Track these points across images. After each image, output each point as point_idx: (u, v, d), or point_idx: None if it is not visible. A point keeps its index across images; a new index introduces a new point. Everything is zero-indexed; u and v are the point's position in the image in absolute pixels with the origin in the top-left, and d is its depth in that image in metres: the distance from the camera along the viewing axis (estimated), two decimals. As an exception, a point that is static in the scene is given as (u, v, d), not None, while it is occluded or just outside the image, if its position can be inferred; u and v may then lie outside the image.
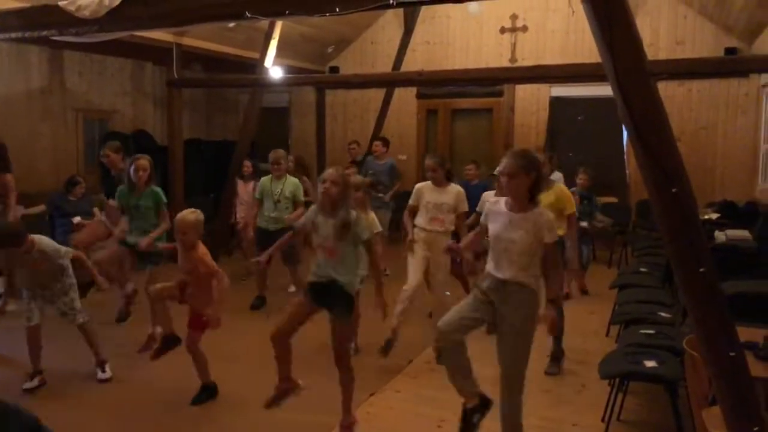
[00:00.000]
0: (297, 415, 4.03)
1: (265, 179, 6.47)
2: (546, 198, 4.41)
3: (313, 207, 3.85)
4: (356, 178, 5.40)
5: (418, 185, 5.34)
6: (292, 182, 6.37)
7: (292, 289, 7.02)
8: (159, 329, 4.81)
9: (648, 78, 2.52)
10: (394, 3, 3.09)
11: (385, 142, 8.39)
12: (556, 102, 10.10)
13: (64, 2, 3.64)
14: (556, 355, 4.90)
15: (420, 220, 5.22)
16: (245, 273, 7.54)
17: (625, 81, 2.54)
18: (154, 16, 3.45)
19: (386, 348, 4.98)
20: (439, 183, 5.20)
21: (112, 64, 9.65)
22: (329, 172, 3.74)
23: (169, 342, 4.39)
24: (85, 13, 3.55)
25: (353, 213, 3.69)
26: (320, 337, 5.57)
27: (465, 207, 5.21)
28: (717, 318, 2.59)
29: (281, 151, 6.46)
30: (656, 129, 2.53)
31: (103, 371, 4.61)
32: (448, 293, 5.19)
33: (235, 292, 6.83)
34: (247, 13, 3.33)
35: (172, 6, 3.40)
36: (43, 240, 4.39)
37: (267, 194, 6.35)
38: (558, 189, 4.85)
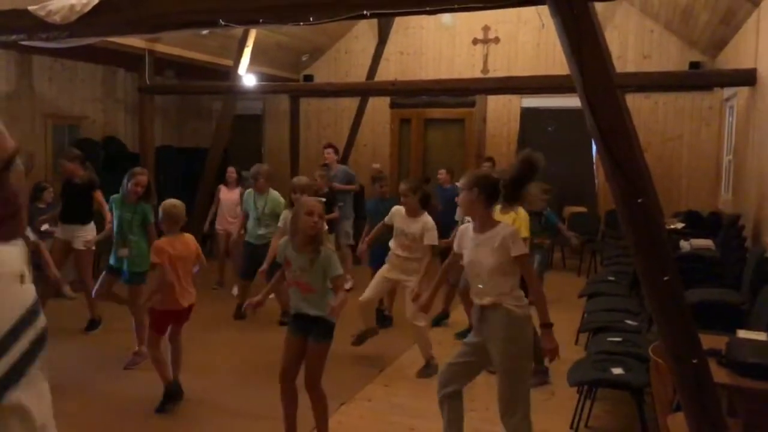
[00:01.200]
0: (268, 423, 4.00)
1: (248, 193, 6.43)
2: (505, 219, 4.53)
3: (284, 240, 3.64)
4: (300, 179, 5.47)
5: (396, 207, 5.23)
6: (273, 199, 6.29)
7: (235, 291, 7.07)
8: (144, 347, 4.81)
9: (615, 91, 2.59)
10: (368, 14, 3.13)
11: (336, 150, 8.33)
12: (527, 113, 10.24)
13: (34, 7, 3.60)
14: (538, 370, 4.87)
15: (392, 242, 5.17)
16: (217, 282, 7.49)
17: (593, 94, 2.61)
18: (127, 22, 3.44)
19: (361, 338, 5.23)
20: (411, 211, 5.02)
21: (82, 69, 9.50)
22: (315, 203, 3.55)
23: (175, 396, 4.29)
24: (56, 19, 3.51)
25: (327, 249, 3.54)
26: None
27: (432, 239, 4.94)
28: (681, 326, 2.66)
29: (263, 166, 6.41)
30: (623, 141, 2.60)
31: None
32: (422, 323, 4.96)
33: (208, 302, 6.82)
34: (221, 20, 3.34)
35: (145, 13, 3.39)
36: None
37: (250, 209, 6.33)
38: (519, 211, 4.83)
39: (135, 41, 8.00)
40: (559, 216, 9.38)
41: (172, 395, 4.21)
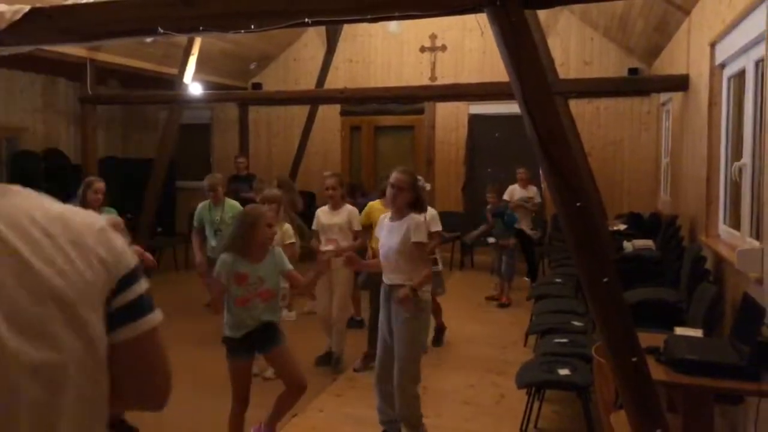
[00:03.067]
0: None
1: (202, 206, 6.15)
2: None
3: (226, 256, 3.50)
4: (271, 191, 5.35)
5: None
6: (231, 206, 6.09)
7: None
8: None
9: (552, 98, 2.66)
10: (310, 22, 3.12)
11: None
12: (474, 119, 10.39)
13: (-38, 15, 3.47)
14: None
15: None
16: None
17: (531, 101, 2.67)
18: (60, 30, 3.34)
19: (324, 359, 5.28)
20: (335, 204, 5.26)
21: (21, 79, 9.19)
22: (271, 214, 3.65)
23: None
24: (-15, 27, 3.39)
25: (276, 249, 3.63)
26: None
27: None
28: (620, 325, 2.73)
29: (218, 176, 6.26)
30: (561, 146, 2.67)
31: None
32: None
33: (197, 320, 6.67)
34: (160, 29, 3.28)
35: (79, 21, 3.30)
36: None
37: (207, 222, 6.09)
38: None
39: (76, 50, 7.78)
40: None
41: None
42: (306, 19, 3.11)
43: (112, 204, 9.08)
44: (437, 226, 5.19)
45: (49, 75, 9.47)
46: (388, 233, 3.75)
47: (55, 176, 8.49)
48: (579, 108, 9.27)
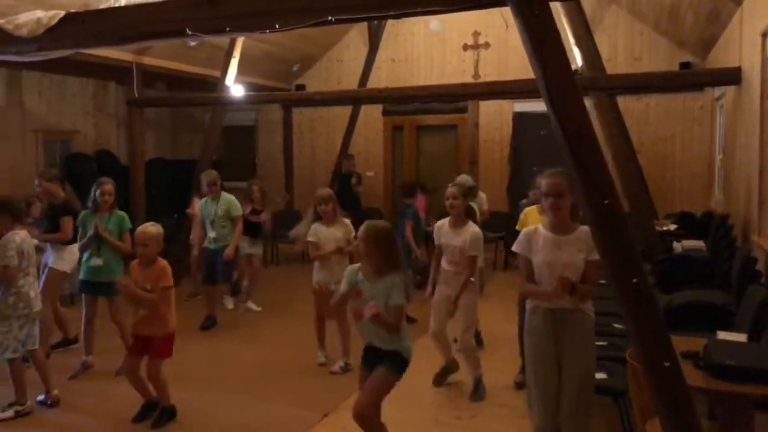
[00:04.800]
0: (283, 408, 4.17)
1: (202, 201, 6.61)
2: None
3: (355, 267, 3.41)
4: (323, 190, 5.35)
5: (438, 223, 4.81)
6: (225, 200, 6.45)
7: (230, 305, 7.09)
8: (90, 358, 5.02)
9: (578, 92, 2.56)
10: (333, 20, 3.10)
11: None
12: (518, 117, 10.22)
13: (2, 21, 3.59)
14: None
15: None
16: (191, 293, 7.48)
17: (556, 95, 2.57)
18: (92, 34, 3.42)
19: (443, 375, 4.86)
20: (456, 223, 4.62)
21: (73, 83, 9.54)
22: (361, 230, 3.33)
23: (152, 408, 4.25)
24: (23, 32, 3.50)
25: (393, 276, 3.27)
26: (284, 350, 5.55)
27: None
28: (651, 328, 2.61)
29: (214, 174, 6.56)
30: (587, 142, 2.56)
31: (4, 411, 4.29)
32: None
33: (181, 312, 6.78)
34: (187, 30, 3.31)
35: (111, 24, 3.38)
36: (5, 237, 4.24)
37: (204, 215, 6.50)
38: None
39: (122, 54, 8.02)
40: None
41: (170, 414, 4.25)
42: (329, 17, 3.09)
43: (158, 203, 9.39)
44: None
45: (99, 79, 9.79)
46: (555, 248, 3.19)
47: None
48: (627, 104, 8.99)
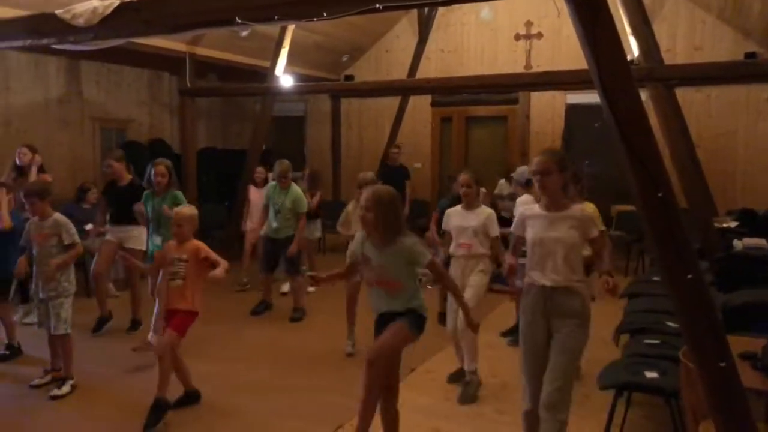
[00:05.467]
0: (296, 423, 4.05)
1: (271, 186, 6.53)
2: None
3: (359, 235, 3.43)
4: (366, 175, 5.29)
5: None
6: (293, 193, 6.38)
7: (285, 289, 7.12)
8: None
9: (632, 80, 2.46)
10: (381, 7, 3.06)
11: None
12: (571, 109, 9.99)
13: (61, 11, 3.69)
14: None
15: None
16: (243, 282, 7.50)
17: (609, 83, 2.48)
18: (146, 22, 3.48)
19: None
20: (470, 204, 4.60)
21: (129, 74, 9.79)
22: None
23: (191, 399, 4.33)
24: (80, 22, 3.59)
25: (407, 238, 3.28)
26: (322, 343, 5.60)
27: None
28: (707, 327, 2.50)
29: (287, 163, 6.46)
30: (640, 132, 2.46)
31: (60, 388, 4.47)
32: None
33: (233, 301, 6.90)
34: (237, 19, 3.34)
35: (162, 13, 3.43)
36: (61, 216, 4.52)
37: (271, 203, 6.43)
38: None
39: (176, 44, 8.19)
40: (607, 215, 9.15)
41: (193, 397, 4.34)
42: (377, 5, 3.05)
43: (208, 191, 9.57)
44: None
45: (154, 69, 10.02)
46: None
47: (159, 166, 8.97)
48: (687, 96, 8.67)
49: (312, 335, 5.91)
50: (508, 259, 3.54)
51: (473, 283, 4.48)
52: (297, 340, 5.77)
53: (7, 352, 5.11)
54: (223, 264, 4.10)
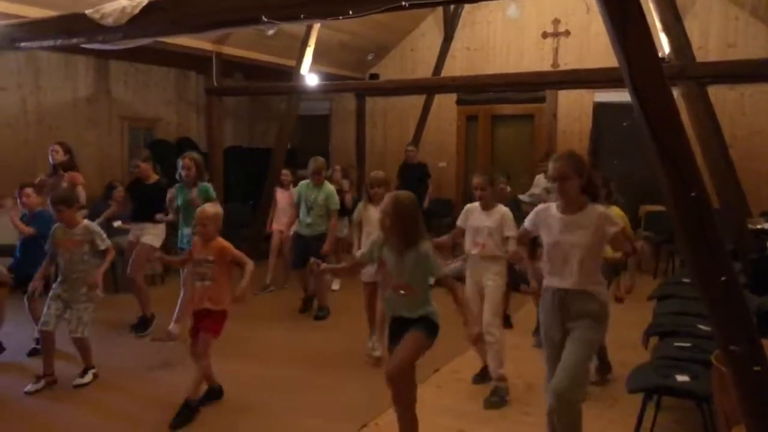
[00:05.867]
0: (319, 422, 4.04)
1: (302, 185, 6.50)
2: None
3: (377, 238, 3.43)
4: (378, 174, 5.29)
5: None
6: (326, 190, 6.34)
7: (336, 286, 7.12)
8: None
9: (663, 77, 2.40)
10: (407, 5, 3.05)
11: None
12: (599, 108, 9.85)
13: (90, 11, 3.74)
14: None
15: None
16: (266, 285, 7.47)
17: (640, 81, 2.43)
18: (173, 21, 3.51)
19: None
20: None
21: (156, 73, 9.91)
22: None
23: (213, 394, 4.35)
24: (109, 21, 3.64)
25: (425, 246, 3.27)
26: (346, 342, 5.59)
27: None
28: (740, 330, 2.44)
29: (321, 161, 6.43)
30: (672, 130, 2.41)
31: (82, 377, 4.59)
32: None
33: (255, 300, 6.92)
34: (263, 17, 3.35)
35: (188, 12, 3.46)
36: (91, 223, 4.62)
37: (302, 200, 6.41)
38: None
39: (202, 43, 8.26)
40: (636, 215, 9.01)
41: (216, 393, 4.36)
42: (403, 2, 3.04)
43: (235, 189, 9.63)
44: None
45: (181, 69, 10.12)
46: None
47: (186, 164, 9.06)
48: (720, 94, 8.48)
49: (336, 334, 5.91)
50: (510, 247, 3.68)
51: (490, 296, 4.40)
52: (321, 338, 5.77)
53: (38, 347, 5.20)
54: (249, 265, 4.12)
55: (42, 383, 4.51)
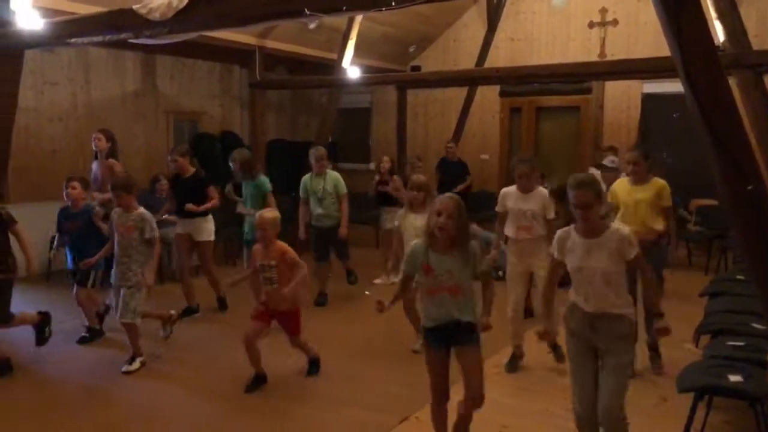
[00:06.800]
0: (361, 412, 4.07)
1: (305, 177, 6.55)
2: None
3: (417, 245, 3.36)
4: (419, 177, 5.22)
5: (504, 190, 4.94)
6: (332, 176, 6.42)
7: (378, 280, 7.12)
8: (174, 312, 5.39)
9: (719, 67, 2.30)
10: (449, -6, 3.00)
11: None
12: (648, 99, 9.59)
13: (137, 6, 3.80)
14: None
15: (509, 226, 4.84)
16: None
17: (694, 71, 2.34)
18: (218, 15, 3.55)
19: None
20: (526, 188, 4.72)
21: (201, 67, 10.04)
22: (446, 201, 3.19)
23: (260, 381, 4.48)
24: (156, 16, 3.69)
25: (473, 244, 3.26)
26: (389, 331, 5.57)
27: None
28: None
29: (323, 149, 6.59)
30: (728, 122, 2.31)
31: (130, 364, 4.73)
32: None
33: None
34: (306, 10, 3.34)
35: (234, 5, 3.48)
36: (147, 212, 4.76)
37: (310, 192, 6.44)
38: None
39: (246, 38, 8.33)
40: (687, 209, 8.77)
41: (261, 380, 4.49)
42: (446, -8, 2.99)
43: (277, 182, 9.65)
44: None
45: (225, 63, 10.24)
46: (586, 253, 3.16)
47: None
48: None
49: (374, 327, 5.89)
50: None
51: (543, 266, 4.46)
52: (364, 331, 5.77)
53: (87, 335, 5.36)
54: (303, 270, 4.31)
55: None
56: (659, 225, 4.66)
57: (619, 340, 3.13)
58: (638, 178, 4.74)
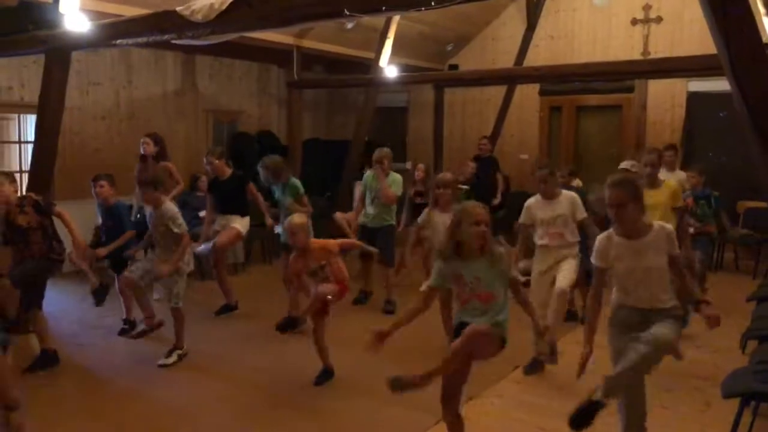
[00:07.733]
0: (397, 410, 4.08)
1: (368, 174, 6.47)
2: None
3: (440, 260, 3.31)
4: (444, 175, 5.16)
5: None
6: (391, 179, 6.30)
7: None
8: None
9: (765, 57, 2.23)
10: (489, -7, 2.97)
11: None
12: (693, 97, 9.36)
13: (181, 8, 3.87)
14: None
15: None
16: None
17: (741, 69, 2.28)
18: (259, 17, 3.59)
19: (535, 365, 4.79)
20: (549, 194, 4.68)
21: (239, 67, 10.17)
22: (481, 211, 3.14)
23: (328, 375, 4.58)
24: (198, 17, 3.75)
25: (499, 248, 3.22)
26: (417, 338, 5.56)
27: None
28: None
29: (386, 150, 6.42)
30: (779, 120, 2.24)
31: (167, 357, 4.82)
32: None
33: None
34: (345, 11, 3.36)
35: (274, 7, 3.52)
36: (170, 204, 4.87)
37: (368, 190, 6.40)
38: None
39: (284, 38, 8.40)
40: (733, 211, 8.50)
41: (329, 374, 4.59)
42: (486, -10, 2.96)
43: (313, 181, 9.76)
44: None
45: (262, 63, 10.35)
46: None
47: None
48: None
49: (418, 328, 5.84)
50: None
51: (565, 266, 4.56)
52: (403, 331, 5.72)
53: (126, 327, 5.48)
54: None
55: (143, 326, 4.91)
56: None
57: (671, 317, 3.08)
58: (652, 181, 4.86)
